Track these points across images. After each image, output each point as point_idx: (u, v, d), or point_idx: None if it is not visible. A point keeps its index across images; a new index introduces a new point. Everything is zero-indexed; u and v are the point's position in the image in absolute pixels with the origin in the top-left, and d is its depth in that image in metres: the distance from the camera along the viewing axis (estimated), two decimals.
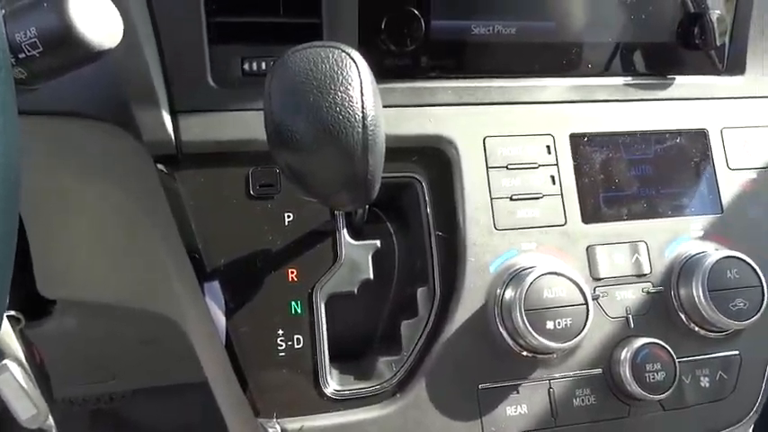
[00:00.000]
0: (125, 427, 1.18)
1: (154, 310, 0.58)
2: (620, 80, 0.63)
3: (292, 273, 0.52)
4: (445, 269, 0.55)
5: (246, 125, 0.53)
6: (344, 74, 0.38)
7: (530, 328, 0.50)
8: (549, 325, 0.51)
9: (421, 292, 0.55)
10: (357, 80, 0.38)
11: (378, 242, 0.55)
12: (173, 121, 0.51)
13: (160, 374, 0.95)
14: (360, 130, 0.38)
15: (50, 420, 0.56)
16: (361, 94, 0.38)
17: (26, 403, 0.52)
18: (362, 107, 0.38)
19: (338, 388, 0.51)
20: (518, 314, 0.51)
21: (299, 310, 0.52)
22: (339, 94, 0.38)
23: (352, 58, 0.39)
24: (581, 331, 0.51)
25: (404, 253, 0.58)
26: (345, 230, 0.54)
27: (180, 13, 0.51)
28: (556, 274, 0.52)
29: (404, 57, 0.57)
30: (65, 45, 0.36)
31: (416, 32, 0.56)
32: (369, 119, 0.38)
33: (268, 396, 0.50)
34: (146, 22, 0.50)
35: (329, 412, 0.50)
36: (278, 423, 0.48)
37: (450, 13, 0.58)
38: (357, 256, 0.54)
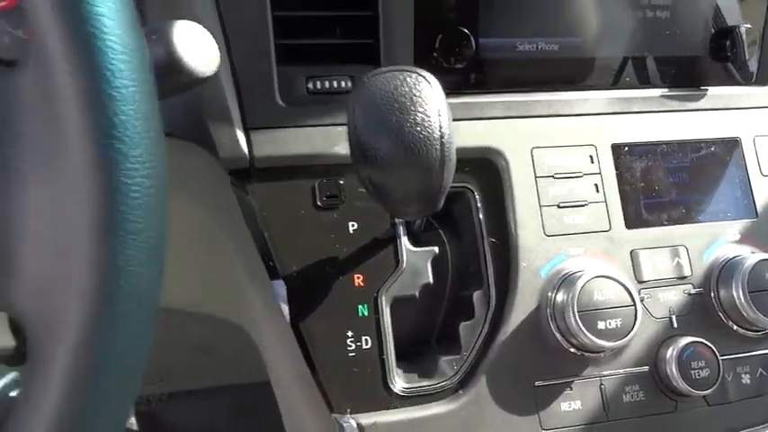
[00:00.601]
0: (161, 429, 1.21)
1: (221, 316, 0.62)
2: (656, 92, 0.66)
3: (358, 278, 0.56)
4: (499, 273, 0.58)
5: (312, 140, 0.57)
6: (423, 96, 0.42)
7: (583, 329, 0.54)
8: (601, 325, 0.54)
9: (477, 296, 0.58)
10: (434, 102, 0.42)
11: (436, 248, 0.58)
12: (246, 138, 0.55)
13: (205, 377, 0.99)
14: (438, 147, 0.42)
15: (133, 419, 0.60)
16: (439, 115, 0.42)
17: None
18: (440, 126, 0.42)
19: (405, 386, 0.54)
20: (571, 315, 0.54)
21: (365, 313, 0.55)
22: (419, 114, 0.41)
23: (428, 81, 0.42)
24: (630, 331, 0.55)
25: (457, 258, 0.61)
26: (405, 238, 0.58)
27: (251, 38, 0.55)
28: (605, 277, 0.55)
29: (455, 73, 0.61)
30: (172, 74, 0.40)
31: (467, 50, 0.60)
32: (445, 137, 0.42)
33: (340, 393, 0.53)
34: (221, 48, 0.54)
35: (398, 408, 0.53)
36: (352, 418, 0.52)
37: (497, 32, 0.62)
38: (417, 261, 0.57)
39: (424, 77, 0.42)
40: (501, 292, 0.58)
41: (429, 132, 0.41)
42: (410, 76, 0.42)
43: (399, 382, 0.55)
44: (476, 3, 0.60)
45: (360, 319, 0.55)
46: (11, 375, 0.37)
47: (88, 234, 0.26)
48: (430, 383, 0.55)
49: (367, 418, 0.52)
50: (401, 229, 0.58)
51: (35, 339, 0.28)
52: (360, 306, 0.55)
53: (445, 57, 0.60)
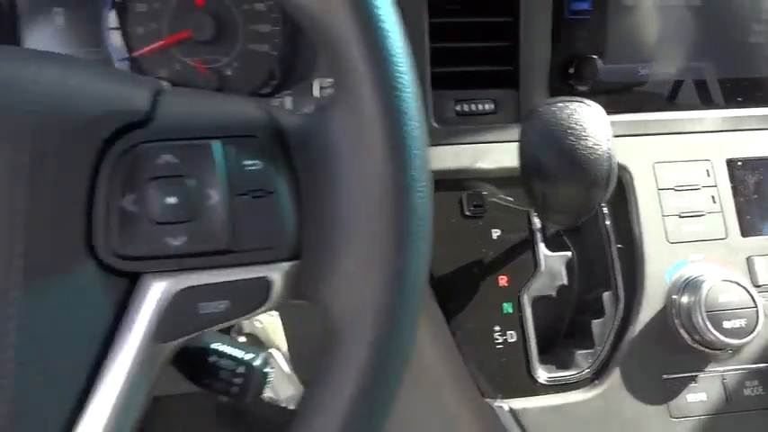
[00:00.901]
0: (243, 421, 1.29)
1: None
2: (766, 111, 0.72)
3: (502, 279, 0.63)
4: (626, 277, 0.65)
5: (460, 157, 0.64)
6: (593, 123, 0.48)
7: (710, 328, 0.59)
8: (727, 325, 0.60)
9: (606, 296, 0.64)
10: (603, 128, 0.49)
11: (569, 253, 0.65)
12: None
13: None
14: (606, 167, 0.48)
15: (294, 399, 0.68)
16: (607, 140, 0.49)
17: (286, 385, 0.64)
18: (608, 149, 0.48)
19: (548, 375, 0.61)
20: (698, 315, 0.60)
21: (510, 310, 0.62)
22: (591, 139, 0.48)
23: (596, 111, 0.49)
24: (754, 330, 0.60)
25: (581, 261, 0.68)
26: (542, 244, 0.64)
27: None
28: (730, 281, 0.61)
29: (583, 96, 0.67)
30: None
31: (594, 76, 0.67)
32: (612, 158, 0.49)
33: (490, 381, 0.60)
34: None
35: (542, 395, 0.60)
36: (504, 402, 0.59)
37: (622, 59, 0.68)
38: (553, 265, 0.64)
39: (592, 107, 0.49)
40: (629, 294, 0.64)
41: (599, 155, 0.48)
42: (580, 106, 0.49)
43: (542, 372, 0.61)
44: (605, 33, 0.67)
45: (505, 316, 0.62)
46: (263, 354, 0.46)
47: (390, 244, 0.34)
48: (569, 374, 0.62)
49: (516, 403, 0.59)
50: (538, 236, 0.65)
51: (338, 334, 0.35)
52: (505, 304, 0.62)
53: (576, 82, 0.66)
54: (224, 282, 0.34)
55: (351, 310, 0.35)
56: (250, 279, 0.34)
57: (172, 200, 0.32)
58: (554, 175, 0.49)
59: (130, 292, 0.33)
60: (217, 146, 0.33)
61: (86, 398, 0.33)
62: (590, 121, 0.48)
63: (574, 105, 0.49)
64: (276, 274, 0.35)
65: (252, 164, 0.33)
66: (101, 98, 0.33)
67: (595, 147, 0.48)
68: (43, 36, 0.70)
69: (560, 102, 0.50)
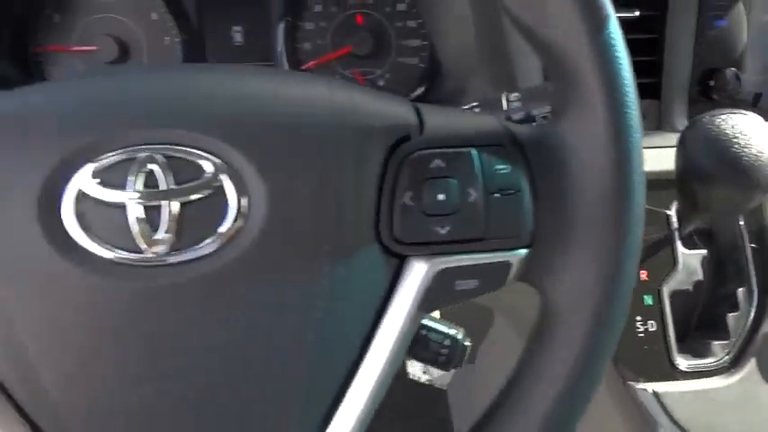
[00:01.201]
0: None
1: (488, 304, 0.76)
2: None
3: (643, 273, 0.69)
4: (759, 274, 0.69)
5: None
6: (756, 133, 0.54)
7: None
8: None
9: (741, 292, 0.69)
10: (764, 137, 0.54)
11: (705, 251, 0.70)
12: None
13: None
14: (766, 174, 0.54)
15: (448, 380, 0.75)
16: None
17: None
18: None
19: (688, 363, 0.67)
20: None
21: (650, 302, 0.68)
22: (754, 148, 0.53)
23: (757, 121, 0.55)
24: None
25: (713, 260, 0.73)
26: (680, 242, 0.70)
27: None
28: None
29: (718, 106, 0.72)
30: None
31: (732, 87, 0.71)
32: None
33: (632, 367, 0.66)
34: None
35: (681, 380, 0.66)
36: (648, 386, 0.65)
37: (756, 70, 0.73)
38: (691, 262, 0.69)
39: (753, 119, 0.55)
40: (762, 290, 0.69)
41: (762, 162, 0.53)
42: (743, 118, 0.54)
43: (681, 360, 0.67)
44: (741, 47, 0.72)
45: (646, 307, 0.68)
46: (463, 330, 0.53)
47: (613, 240, 0.40)
48: (707, 362, 0.67)
49: (659, 387, 0.65)
50: (676, 235, 0.70)
51: (554, 321, 0.41)
52: (645, 296, 0.68)
53: (714, 93, 0.71)
54: (476, 264, 0.41)
55: (571, 299, 0.41)
56: (496, 263, 0.41)
57: (441, 196, 0.40)
58: (718, 179, 0.54)
59: (400, 270, 0.41)
60: (474, 153, 0.41)
61: (364, 352, 0.41)
62: (753, 130, 0.54)
63: (737, 117, 0.55)
64: (514, 260, 0.42)
65: (502, 168, 0.41)
66: (382, 115, 0.40)
67: (759, 154, 0.53)
68: (223, 52, 0.80)
69: (723, 113, 0.55)
